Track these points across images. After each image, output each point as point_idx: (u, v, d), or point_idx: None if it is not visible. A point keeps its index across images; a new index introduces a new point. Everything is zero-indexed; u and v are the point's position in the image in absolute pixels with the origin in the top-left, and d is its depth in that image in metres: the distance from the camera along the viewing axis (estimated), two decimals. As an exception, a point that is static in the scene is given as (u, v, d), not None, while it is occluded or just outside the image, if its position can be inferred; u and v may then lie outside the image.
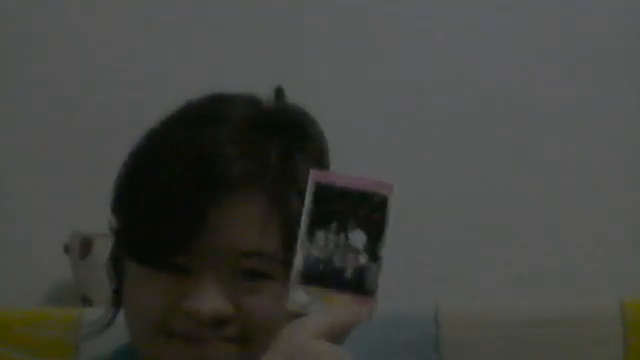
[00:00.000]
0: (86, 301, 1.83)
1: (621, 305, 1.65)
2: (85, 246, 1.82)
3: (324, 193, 0.71)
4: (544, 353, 1.64)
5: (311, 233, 0.70)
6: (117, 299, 0.95)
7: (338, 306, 0.69)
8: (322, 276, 0.70)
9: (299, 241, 0.70)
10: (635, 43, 1.98)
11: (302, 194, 0.77)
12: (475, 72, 2.00)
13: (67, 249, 1.85)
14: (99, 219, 1.85)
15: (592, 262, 1.92)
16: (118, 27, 2.05)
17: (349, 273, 0.71)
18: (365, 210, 0.71)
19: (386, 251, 0.71)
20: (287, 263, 0.80)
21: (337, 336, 0.70)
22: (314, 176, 0.71)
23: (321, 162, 0.91)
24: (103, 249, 1.78)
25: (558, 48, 2.00)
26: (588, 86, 1.98)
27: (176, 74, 2.00)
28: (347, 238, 0.70)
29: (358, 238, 0.71)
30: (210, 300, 0.84)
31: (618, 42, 1.98)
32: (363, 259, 0.71)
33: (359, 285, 0.71)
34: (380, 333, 1.60)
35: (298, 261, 0.70)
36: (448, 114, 1.99)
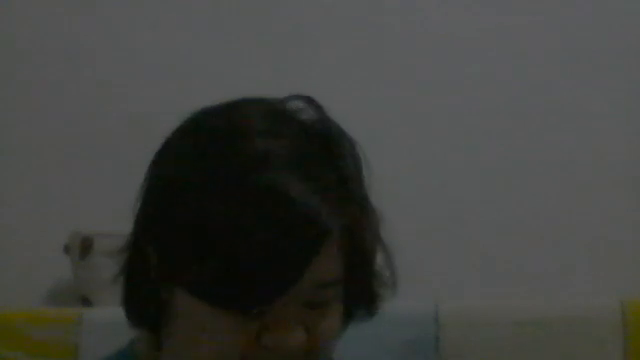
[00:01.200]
0: (86, 301, 1.83)
1: (621, 305, 1.65)
2: (85, 246, 1.82)
3: None
4: (544, 353, 1.64)
5: None
6: (156, 339, 0.92)
7: None
8: None
9: None
10: (635, 43, 1.98)
11: (362, 210, 0.85)
12: (475, 72, 2.00)
13: (67, 249, 1.85)
14: (99, 219, 1.86)
15: (592, 262, 1.92)
16: (118, 27, 2.05)
17: None
18: None
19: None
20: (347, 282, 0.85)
21: None
22: None
23: (362, 176, 0.92)
24: (103, 249, 1.78)
25: (558, 48, 2.00)
26: (588, 86, 1.98)
27: (176, 74, 2.00)
28: None
29: None
30: (292, 334, 0.84)
31: (618, 42, 1.98)
32: None
33: None
34: (380, 333, 1.60)
35: None
36: (448, 114, 1.99)
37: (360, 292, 0.91)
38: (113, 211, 1.85)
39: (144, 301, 0.90)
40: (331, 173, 0.87)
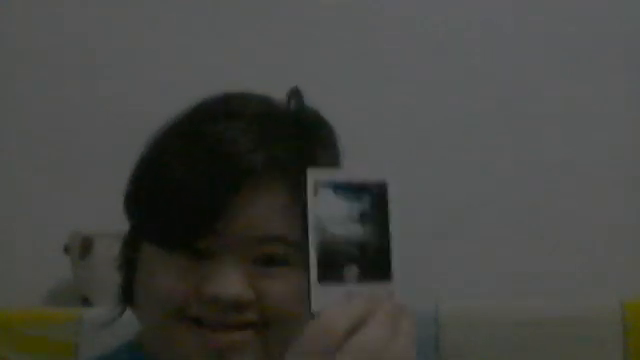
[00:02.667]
0: (86, 301, 1.83)
1: (621, 306, 1.65)
2: (85, 246, 1.82)
3: (325, 191, 0.70)
4: (544, 353, 1.64)
5: (319, 232, 0.70)
6: (127, 294, 0.94)
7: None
8: (338, 272, 0.70)
9: (310, 242, 0.70)
10: (635, 43, 1.98)
11: None
12: (475, 72, 2.00)
13: (67, 249, 1.85)
14: (99, 219, 1.86)
15: (592, 262, 1.92)
16: (118, 27, 2.05)
17: (363, 265, 0.71)
18: (368, 202, 0.71)
19: (394, 241, 0.72)
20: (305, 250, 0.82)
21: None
22: (312, 175, 0.70)
23: (337, 164, 0.92)
24: (103, 249, 1.78)
25: (558, 48, 2.00)
26: (588, 86, 1.98)
27: (176, 75, 2.00)
28: (355, 233, 0.70)
29: (366, 231, 0.71)
30: (231, 285, 0.84)
31: (618, 42, 1.98)
32: (373, 250, 0.71)
33: (375, 274, 0.72)
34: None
35: (312, 261, 0.70)
36: (448, 114, 1.99)
37: None
38: (113, 211, 1.86)
39: (127, 268, 0.94)
40: (293, 143, 0.88)
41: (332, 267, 0.70)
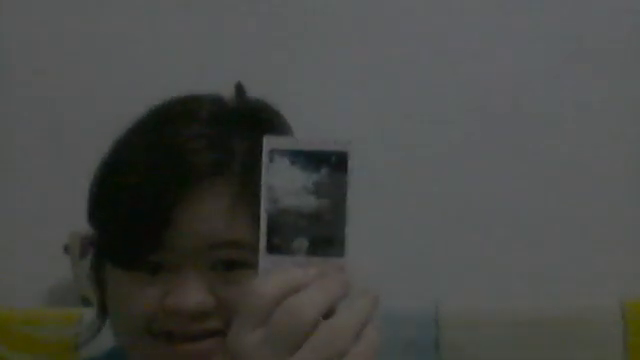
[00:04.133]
0: (86, 301, 1.83)
1: (621, 305, 1.65)
2: (85, 246, 1.82)
3: (281, 160, 0.68)
4: (544, 353, 1.64)
5: (271, 203, 0.68)
6: (102, 308, 0.94)
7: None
8: (287, 244, 0.68)
9: (262, 212, 0.68)
10: (635, 43, 1.98)
11: None
12: (475, 72, 2.00)
13: (67, 249, 1.85)
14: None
15: (592, 262, 1.92)
16: (118, 27, 2.05)
17: (314, 238, 0.69)
18: (325, 173, 0.68)
19: (351, 214, 0.67)
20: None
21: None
22: (268, 143, 0.68)
23: None
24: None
25: (558, 48, 2.00)
26: (588, 86, 1.98)
27: (176, 75, 2.00)
28: (308, 204, 0.68)
29: (320, 203, 0.68)
30: (191, 295, 0.84)
31: (618, 42, 1.98)
32: (326, 224, 0.68)
33: (326, 249, 0.68)
34: (380, 333, 1.60)
35: (262, 232, 0.68)
36: (448, 114, 1.99)
37: None
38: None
39: (98, 285, 0.93)
40: (237, 144, 0.87)
41: (281, 238, 0.68)
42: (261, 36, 2.03)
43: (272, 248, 0.68)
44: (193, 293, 0.84)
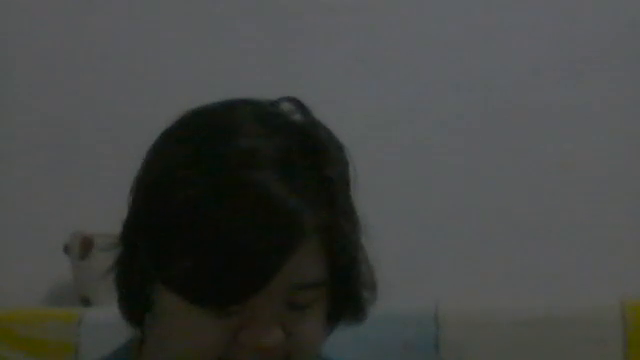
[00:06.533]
0: (86, 301, 1.83)
1: (621, 305, 1.65)
2: (85, 246, 1.82)
3: None
4: (544, 353, 1.64)
5: None
6: (135, 322, 0.93)
7: None
8: None
9: None
10: (635, 43, 1.98)
11: (345, 214, 0.86)
12: (475, 72, 2.00)
13: (67, 249, 1.85)
14: (99, 219, 1.85)
15: (592, 262, 1.92)
16: (118, 28, 2.05)
17: None
18: None
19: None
20: (331, 287, 0.87)
21: None
22: None
23: (348, 180, 0.91)
24: (103, 249, 1.78)
25: (558, 48, 2.00)
26: (588, 86, 1.98)
27: (176, 75, 2.00)
28: None
29: None
30: (270, 332, 0.85)
31: (618, 42, 1.98)
32: None
33: None
34: (380, 333, 1.60)
35: None
36: (448, 114, 1.99)
37: (345, 297, 0.91)
38: (113, 211, 1.86)
39: (132, 298, 0.91)
40: (314, 175, 0.87)
41: None
42: (260, 36, 2.03)
43: None
44: (270, 330, 0.85)
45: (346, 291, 0.91)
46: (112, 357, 0.99)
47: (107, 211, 1.90)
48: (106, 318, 1.60)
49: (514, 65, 2.00)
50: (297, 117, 0.90)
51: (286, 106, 0.91)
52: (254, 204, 0.82)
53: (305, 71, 1.97)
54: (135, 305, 0.91)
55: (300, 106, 0.91)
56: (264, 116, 0.89)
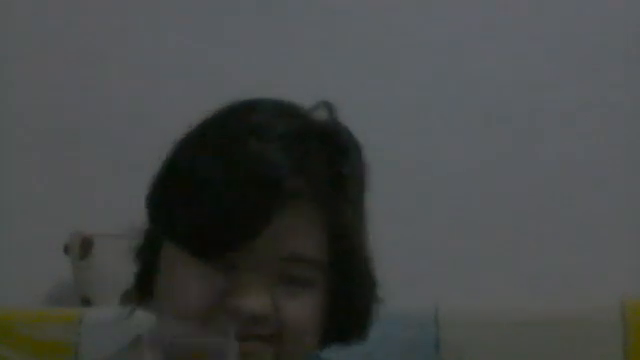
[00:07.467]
0: (86, 301, 1.83)
1: (621, 305, 1.65)
2: (85, 246, 1.82)
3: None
4: (544, 353, 1.64)
5: None
6: (143, 291, 0.95)
7: None
8: None
9: None
10: (635, 43, 1.99)
11: (352, 204, 0.89)
12: (475, 72, 2.00)
13: (67, 249, 1.85)
14: (99, 219, 1.86)
15: (592, 262, 1.93)
16: (118, 28, 2.05)
17: None
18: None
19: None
20: (328, 271, 0.88)
21: None
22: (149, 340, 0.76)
23: (362, 181, 0.94)
24: (103, 249, 1.78)
25: (558, 48, 2.00)
26: (588, 86, 1.98)
27: (176, 75, 2.00)
28: None
29: None
30: (255, 300, 0.86)
31: (618, 42, 1.99)
32: None
33: None
34: (380, 333, 1.60)
35: None
36: (448, 115, 2.00)
37: (343, 295, 0.92)
38: (113, 211, 1.86)
39: (146, 264, 0.94)
40: (322, 159, 0.90)
41: None
42: (260, 36, 2.03)
43: None
44: (257, 299, 0.87)
45: (345, 286, 0.91)
46: (113, 357, 1.00)
47: (107, 211, 1.92)
48: (106, 318, 1.60)
49: (514, 65, 2.00)
50: (319, 114, 0.94)
51: (313, 107, 0.95)
52: (248, 164, 0.86)
53: (305, 71, 1.97)
54: (148, 271, 0.94)
55: (329, 108, 0.95)
56: (284, 106, 0.93)
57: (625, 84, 1.98)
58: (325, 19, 2.03)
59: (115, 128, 2.00)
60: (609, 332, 1.63)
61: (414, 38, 2.02)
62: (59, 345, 1.66)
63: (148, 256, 0.94)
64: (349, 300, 0.93)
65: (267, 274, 0.87)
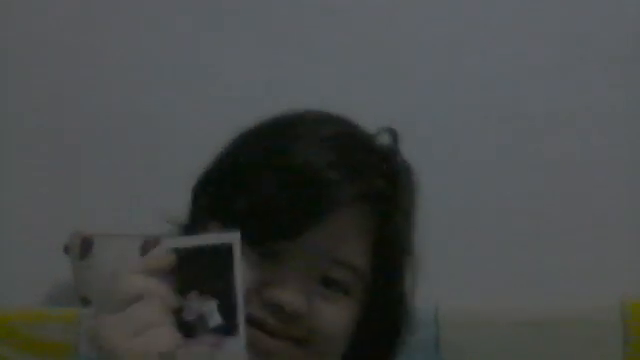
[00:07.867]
0: (86, 301, 1.83)
1: (621, 305, 1.65)
2: (85, 246, 1.82)
3: (181, 257, 0.77)
4: (544, 353, 1.64)
5: (183, 296, 0.77)
6: None
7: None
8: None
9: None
10: (635, 43, 1.99)
11: (405, 215, 0.95)
12: (475, 72, 2.00)
13: (67, 249, 1.85)
14: (99, 219, 1.86)
15: (592, 262, 1.93)
16: (118, 28, 2.05)
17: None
18: (214, 263, 0.78)
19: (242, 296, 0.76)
20: (368, 282, 0.92)
21: None
22: (166, 244, 0.77)
23: (414, 200, 1.02)
24: (103, 249, 1.78)
25: (558, 48, 2.00)
26: (588, 86, 1.98)
27: (176, 75, 2.00)
28: (203, 301, 0.77)
29: (217, 289, 0.77)
30: (292, 294, 0.87)
31: (618, 42, 1.99)
32: (222, 307, 0.77)
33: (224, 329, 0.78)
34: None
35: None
36: (448, 115, 2.00)
37: (384, 311, 0.96)
38: (113, 211, 1.86)
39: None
40: (382, 178, 0.95)
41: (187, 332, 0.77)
42: (260, 36, 2.03)
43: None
44: (296, 293, 0.88)
45: (382, 299, 0.95)
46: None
47: (107, 211, 1.91)
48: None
49: (514, 65, 2.00)
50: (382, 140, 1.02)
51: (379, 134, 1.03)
52: (309, 162, 0.90)
53: (305, 71, 1.97)
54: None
55: (393, 135, 1.03)
56: (350, 122, 1.00)
57: (625, 84, 1.98)
58: (325, 19, 2.03)
59: (115, 128, 2.00)
60: (609, 332, 1.63)
61: (414, 38, 2.02)
62: (59, 345, 1.66)
63: (192, 230, 0.95)
64: (381, 318, 0.95)
65: (309, 274, 0.89)
